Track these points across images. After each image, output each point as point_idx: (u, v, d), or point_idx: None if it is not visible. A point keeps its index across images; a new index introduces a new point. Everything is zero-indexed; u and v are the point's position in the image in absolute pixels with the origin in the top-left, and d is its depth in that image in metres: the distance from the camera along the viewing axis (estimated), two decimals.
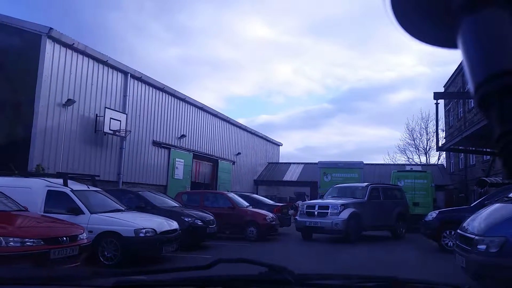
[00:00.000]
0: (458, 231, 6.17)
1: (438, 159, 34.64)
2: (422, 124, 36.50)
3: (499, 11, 0.44)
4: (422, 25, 0.51)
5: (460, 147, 18.52)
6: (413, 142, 37.25)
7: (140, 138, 17.21)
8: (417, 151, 37.46)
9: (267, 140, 32.68)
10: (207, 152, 22.81)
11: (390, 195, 13.96)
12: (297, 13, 65.94)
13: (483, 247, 5.10)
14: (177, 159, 19.64)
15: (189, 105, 21.27)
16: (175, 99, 20.00)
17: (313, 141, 68.79)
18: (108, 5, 60.28)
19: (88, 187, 8.59)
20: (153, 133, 18.19)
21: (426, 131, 36.52)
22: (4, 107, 12.63)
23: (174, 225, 8.45)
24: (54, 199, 7.79)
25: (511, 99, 0.43)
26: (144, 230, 7.47)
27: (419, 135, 37.66)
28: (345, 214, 11.79)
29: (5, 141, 12.19)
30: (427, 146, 36.52)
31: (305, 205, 12.89)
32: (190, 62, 65.39)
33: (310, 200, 14.49)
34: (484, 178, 14.69)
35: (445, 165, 30.30)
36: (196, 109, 22.01)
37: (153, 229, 7.63)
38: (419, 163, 35.43)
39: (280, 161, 33.67)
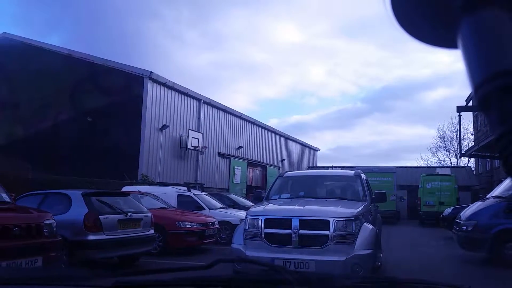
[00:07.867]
0: (455, 219, 9.58)
1: (468, 161, 36.77)
2: (452, 127, 38.66)
3: (499, 11, 0.45)
4: (422, 25, 0.51)
5: (486, 154, 21.16)
6: (444, 145, 39.65)
7: (210, 151, 21.32)
8: (448, 153, 39.83)
9: (306, 146, 36.29)
10: (258, 160, 26.73)
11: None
12: (329, 15, 67.00)
13: (464, 227, 8.53)
14: (235, 167, 23.63)
15: (244, 121, 25.29)
16: (233, 117, 24.08)
17: (346, 141, 69.32)
18: (148, 15, 64.27)
19: (201, 192, 12.56)
20: (218, 146, 22.30)
21: (456, 134, 38.58)
22: (118, 132, 16.98)
23: None
24: (182, 200, 11.75)
25: (511, 99, 0.43)
26: None
27: (449, 138, 39.79)
28: (366, 239, 5.50)
29: (120, 157, 16.51)
30: (457, 149, 38.71)
31: (260, 219, 5.69)
32: (223, 67, 66.31)
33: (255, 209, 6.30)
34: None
35: (473, 167, 32.76)
36: (249, 123, 25.99)
37: None
38: (450, 165, 37.76)
39: (318, 165, 37.11)
